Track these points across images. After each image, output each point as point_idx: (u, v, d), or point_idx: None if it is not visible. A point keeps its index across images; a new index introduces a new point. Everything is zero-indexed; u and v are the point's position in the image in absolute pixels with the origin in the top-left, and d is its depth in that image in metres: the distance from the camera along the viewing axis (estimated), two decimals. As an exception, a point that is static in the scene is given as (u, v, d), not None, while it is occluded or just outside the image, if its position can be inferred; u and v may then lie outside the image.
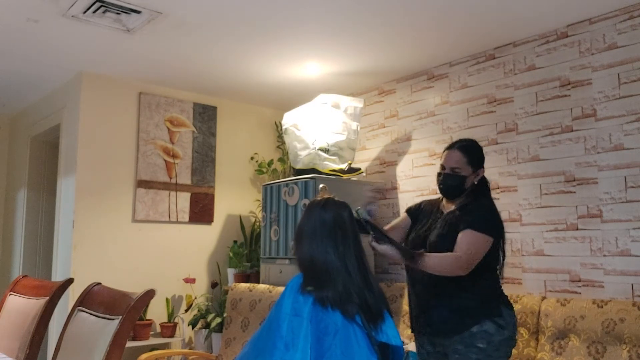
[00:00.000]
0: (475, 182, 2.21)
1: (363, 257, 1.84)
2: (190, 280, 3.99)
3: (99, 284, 2.03)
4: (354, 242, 1.83)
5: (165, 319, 3.91)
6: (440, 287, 2.11)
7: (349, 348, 1.64)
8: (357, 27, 3.01)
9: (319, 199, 1.91)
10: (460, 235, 2.07)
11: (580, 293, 2.75)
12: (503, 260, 2.22)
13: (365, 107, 3.96)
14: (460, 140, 2.27)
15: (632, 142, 2.64)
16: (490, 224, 2.10)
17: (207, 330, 3.89)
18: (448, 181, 2.20)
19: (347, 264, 1.76)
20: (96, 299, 1.93)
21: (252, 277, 3.98)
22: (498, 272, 2.20)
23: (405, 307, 3.21)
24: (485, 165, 2.26)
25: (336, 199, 1.90)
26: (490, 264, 2.14)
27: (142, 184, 3.93)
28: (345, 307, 1.69)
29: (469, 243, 2.04)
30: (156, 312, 3.87)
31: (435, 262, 2.04)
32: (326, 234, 1.79)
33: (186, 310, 4.02)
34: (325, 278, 1.73)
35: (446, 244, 2.09)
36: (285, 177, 4.10)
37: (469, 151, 2.21)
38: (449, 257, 2.05)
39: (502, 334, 2.06)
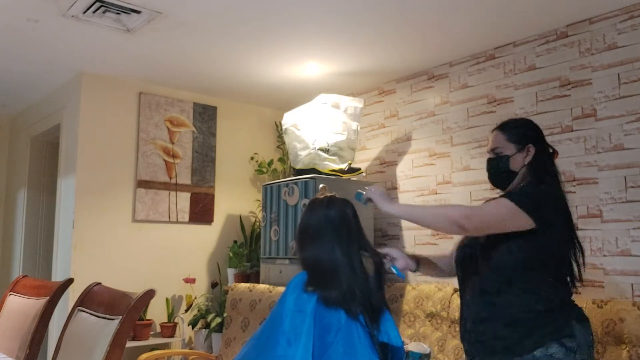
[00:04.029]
0: (526, 163, 1.89)
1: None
2: (190, 280, 3.99)
3: (99, 284, 2.03)
4: (358, 239, 1.83)
5: (165, 319, 3.91)
6: (491, 295, 1.80)
7: (351, 346, 1.64)
8: (357, 27, 3.01)
9: (321, 197, 1.91)
10: None
11: (580, 293, 2.75)
12: (578, 266, 1.85)
13: (365, 107, 3.96)
14: (502, 122, 2.03)
15: (632, 142, 2.64)
16: (532, 200, 1.75)
17: (207, 330, 3.89)
18: (492, 165, 1.95)
19: (352, 262, 1.76)
20: (96, 299, 1.94)
21: (252, 277, 3.98)
22: (565, 278, 1.83)
23: (405, 307, 3.21)
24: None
25: (337, 196, 1.90)
26: (549, 264, 1.78)
27: (142, 184, 3.93)
28: (349, 306, 1.69)
29: (493, 205, 1.80)
30: (156, 312, 3.87)
31: (426, 208, 1.87)
32: (332, 232, 1.79)
33: (186, 310, 4.02)
34: (331, 277, 1.73)
35: (497, 240, 1.81)
36: (285, 177, 4.10)
37: (507, 128, 1.96)
38: (451, 207, 1.87)
39: (572, 358, 1.70)
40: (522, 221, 1.72)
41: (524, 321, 1.73)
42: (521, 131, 1.94)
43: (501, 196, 1.82)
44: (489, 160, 1.96)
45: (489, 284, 1.81)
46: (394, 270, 1.93)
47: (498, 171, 1.93)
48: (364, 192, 1.95)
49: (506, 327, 1.75)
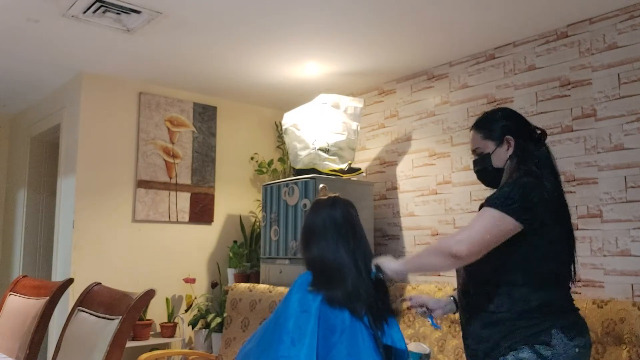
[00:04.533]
0: (509, 156, 1.79)
1: (371, 254, 1.85)
2: (190, 280, 3.99)
3: (99, 284, 2.03)
4: (362, 239, 1.84)
5: (165, 319, 3.91)
6: (471, 295, 1.75)
7: (355, 347, 1.64)
8: (357, 27, 3.01)
9: (324, 198, 1.91)
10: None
11: (580, 293, 2.75)
12: (572, 263, 1.73)
13: (365, 107, 3.96)
14: (476, 119, 1.93)
15: (632, 142, 2.64)
16: (514, 201, 1.61)
17: (207, 330, 3.89)
18: (477, 166, 1.87)
19: (357, 261, 1.77)
20: (96, 299, 1.94)
21: (252, 277, 3.98)
22: (555, 278, 1.68)
23: (405, 306, 3.21)
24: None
25: (340, 196, 1.91)
26: (534, 263, 1.66)
27: (142, 184, 3.93)
28: (354, 307, 1.69)
29: (476, 220, 1.66)
30: (156, 312, 3.87)
31: (423, 252, 1.74)
32: (337, 232, 1.80)
33: (186, 310, 4.02)
34: (336, 277, 1.73)
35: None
36: (285, 177, 4.10)
37: (481, 126, 1.87)
38: (442, 239, 1.71)
39: None
40: (510, 226, 1.61)
41: (502, 322, 1.65)
42: (496, 125, 1.83)
43: (482, 205, 1.71)
44: (474, 162, 1.89)
45: (469, 286, 1.75)
46: (429, 321, 1.90)
47: (484, 171, 1.85)
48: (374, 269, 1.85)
49: (485, 328, 1.69)
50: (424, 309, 1.92)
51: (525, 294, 1.64)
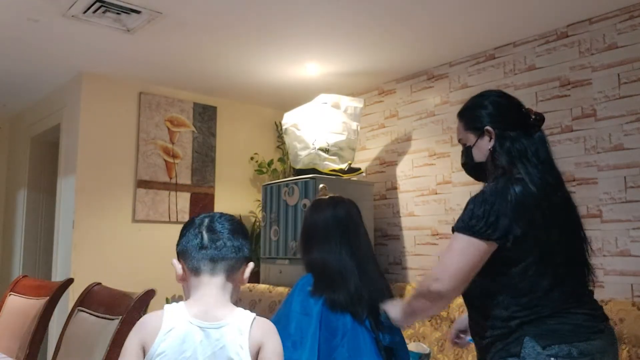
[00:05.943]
0: (490, 149, 1.60)
1: (373, 255, 1.84)
2: (190, 280, 3.99)
3: (99, 284, 2.03)
4: (364, 240, 1.82)
5: (165, 319, 3.91)
6: (471, 309, 1.62)
7: (357, 350, 1.63)
8: (357, 27, 3.01)
9: (325, 198, 1.89)
10: None
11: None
12: (586, 268, 1.62)
13: (365, 107, 3.96)
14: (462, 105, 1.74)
15: (632, 142, 2.64)
16: (477, 218, 1.46)
17: (207, 330, 3.88)
18: (461, 159, 1.72)
19: (359, 264, 1.75)
20: (96, 299, 1.94)
21: (252, 277, 3.96)
22: (540, 288, 1.48)
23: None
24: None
25: (342, 196, 1.90)
26: (515, 279, 1.48)
27: (142, 184, 3.93)
28: (355, 310, 1.68)
29: (447, 251, 1.52)
30: (156, 312, 3.87)
31: (409, 298, 1.58)
32: (339, 234, 1.77)
33: (186, 310, 4.01)
34: (338, 280, 1.71)
35: None
36: (285, 177, 4.10)
37: (462, 114, 1.70)
38: (421, 281, 1.61)
39: None
40: (482, 248, 1.45)
41: (490, 339, 1.51)
42: (475, 114, 1.65)
43: (453, 228, 1.54)
44: (461, 154, 1.72)
45: (469, 298, 1.61)
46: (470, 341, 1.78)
47: (467, 165, 1.69)
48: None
49: (482, 347, 1.56)
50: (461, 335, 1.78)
51: (515, 307, 1.47)
